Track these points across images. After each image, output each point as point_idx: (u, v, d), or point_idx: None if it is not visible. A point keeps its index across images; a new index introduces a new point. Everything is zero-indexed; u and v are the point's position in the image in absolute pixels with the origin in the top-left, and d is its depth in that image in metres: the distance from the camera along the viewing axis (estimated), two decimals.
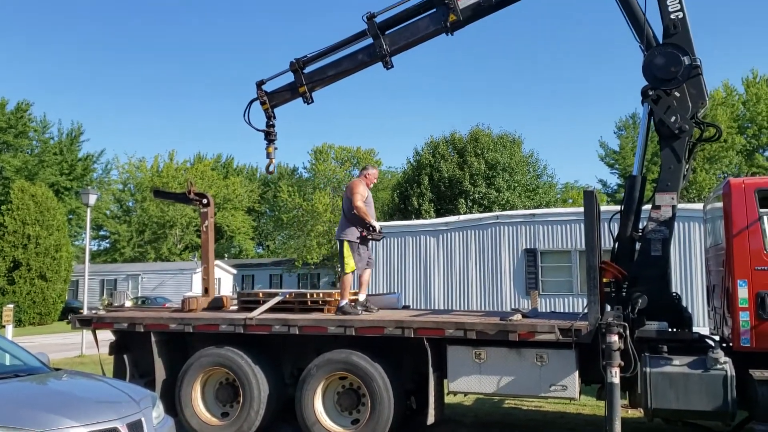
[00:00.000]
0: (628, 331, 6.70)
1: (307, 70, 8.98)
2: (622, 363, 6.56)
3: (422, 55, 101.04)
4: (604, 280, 7.38)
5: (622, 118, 56.01)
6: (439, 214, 35.37)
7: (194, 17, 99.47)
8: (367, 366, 7.56)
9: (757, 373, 6.54)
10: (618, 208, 7.92)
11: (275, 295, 8.75)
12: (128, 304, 31.84)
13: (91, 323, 8.94)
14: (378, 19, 8.49)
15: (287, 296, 8.73)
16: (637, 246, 7.61)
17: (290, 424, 8.16)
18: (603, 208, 10.15)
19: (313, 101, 9.06)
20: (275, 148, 9.31)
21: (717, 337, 7.49)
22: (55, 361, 10.58)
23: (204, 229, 9.79)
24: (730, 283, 6.76)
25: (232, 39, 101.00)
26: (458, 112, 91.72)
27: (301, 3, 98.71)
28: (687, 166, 7.81)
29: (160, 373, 8.44)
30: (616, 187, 54.13)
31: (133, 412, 5.45)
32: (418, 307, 17.29)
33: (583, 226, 7.92)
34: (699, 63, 7.53)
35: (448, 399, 8.33)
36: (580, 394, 7.18)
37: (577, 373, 6.99)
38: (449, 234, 18.86)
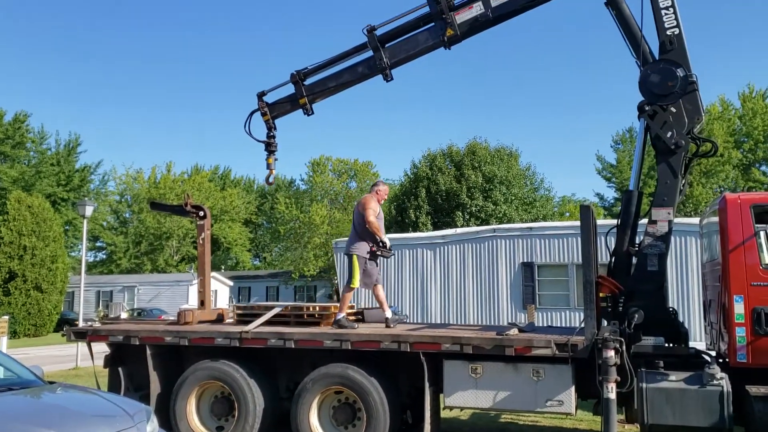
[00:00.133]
0: (624, 346, 6.69)
1: (308, 81, 9.02)
2: (619, 378, 6.55)
3: (420, 67, 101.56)
4: (601, 294, 7.39)
5: (619, 131, 56.29)
6: (436, 227, 35.42)
7: (193, 29, 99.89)
8: (363, 380, 7.53)
9: (753, 389, 6.53)
10: (615, 222, 7.93)
11: (271, 308, 8.73)
12: (124, 315, 31.85)
13: (86, 336, 8.90)
14: (378, 32, 8.54)
15: (283, 309, 8.72)
16: (634, 261, 7.62)
17: None
18: (600, 222, 10.17)
19: (313, 113, 9.09)
20: (275, 159, 9.32)
21: (713, 353, 7.48)
22: (50, 374, 10.56)
23: (200, 242, 9.77)
24: (727, 298, 6.77)
25: (231, 51, 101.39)
26: (456, 125, 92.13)
27: (300, 13, 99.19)
28: (683, 181, 7.84)
29: (155, 386, 8.40)
30: (613, 201, 54.26)
31: (127, 426, 5.41)
32: (415, 321, 17.26)
33: (580, 239, 7.93)
34: (695, 79, 7.57)
35: (444, 414, 8.30)
36: (576, 409, 7.17)
37: (573, 388, 6.97)
38: (446, 247, 18.86)
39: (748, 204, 6.88)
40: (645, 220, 7.77)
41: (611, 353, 6.48)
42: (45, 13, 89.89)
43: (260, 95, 9.11)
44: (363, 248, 8.46)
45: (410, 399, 7.98)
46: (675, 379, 6.72)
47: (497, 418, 10.35)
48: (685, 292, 15.75)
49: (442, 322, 17.88)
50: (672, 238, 7.83)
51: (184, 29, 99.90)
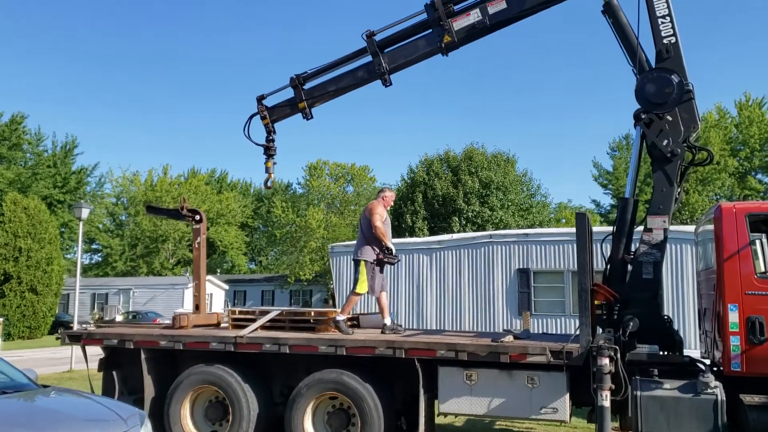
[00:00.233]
0: (619, 354, 6.71)
1: (307, 85, 9.03)
2: (613, 386, 6.57)
3: (418, 72, 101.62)
4: (596, 302, 7.39)
5: (615, 138, 56.44)
6: (432, 232, 35.42)
7: (192, 31, 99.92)
8: (358, 386, 7.52)
9: (747, 398, 6.53)
10: (610, 229, 7.94)
11: (267, 312, 8.72)
12: (119, 318, 31.82)
13: (81, 339, 8.88)
14: (377, 38, 8.56)
15: (279, 314, 8.70)
16: (629, 268, 7.63)
17: None
18: (595, 229, 10.17)
19: (312, 117, 9.10)
20: (274, 163, 9.33)
21: (708, 361, 7.49)
22: (44, 376, 10.53)
23: (196, 246, 9.76)
24: (721, 307, 6.78)
25: (230, 53, 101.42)
26: (453, 130, 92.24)
27: (298, 17, 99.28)
28: (679, 189, 7.86)
29: (149, 390, 8.38)
30: (609, 208, 54.36)
31: (120, 430, 5.41)
32: (411, 327, 17.24)
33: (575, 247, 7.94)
34: (691, 87, 7.59)
35: (439, 420, 8.29)
36: (570, 416, 7.16)
37: (567, 396, 6.98)
38: (442, 253, 18.84)
39: (743, 213, 6.90)
40: (640, 228, 7.79)
41: (606, 361, 6.49)
42: (45, 13, 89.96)
43: (260, 99, 9.12)
44: (370, 254, 8.50)
45: (405, 405, 7.97)
46: (669, 388, 6.73)
47: (492, 425, 10.35)
48: (681, 300, 15.75)
49: (438, 327, 17.86)
50: (667, 246, 7.84)
51: (183, 31, 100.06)
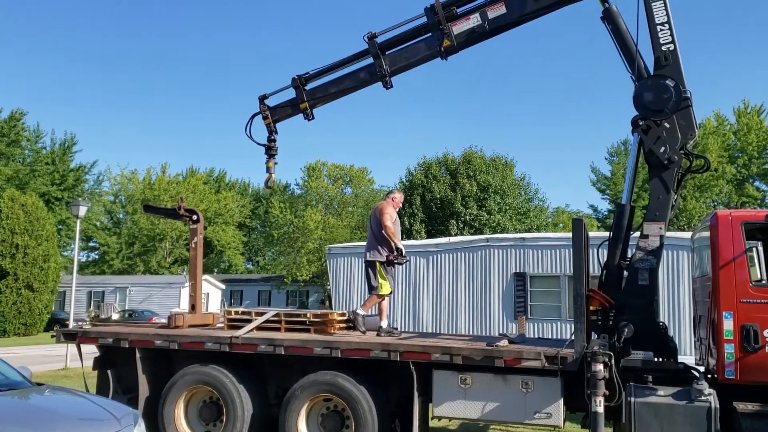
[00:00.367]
0: (613, 360, 6.71)
1: (309, 86, 9.03)
2: (607, 392, 6.57)
3: (418, 75, 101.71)
4: (591, 308, 7.39)
5: (614, 144, 56.56)
6: (430, 235, 35.45)
7: (192, 31, 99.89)
8: (352, 388, 7.53)
9: (741, 406, 6.54)
10: (607, 234, 7.95)
11: (263, 313, 8.72)
12: (115, 316, 31.79)
13: (76, 337, 8.87)
14: (379, 40, 8.57)
15: (275, 315, 8.70)
16: (625, 274, 7.64)
17: None
18: (592, 234, 10.19)
19: (313, 118, 9.10)
20: (275, 163, 9.33)
21: (702, 368, 7.49)
22: (38, 374, 10.50)
23: (193, 246, 9.76)
24: (716, 314, 6.79)
25: (230, 53, 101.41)
26: (451, 133, 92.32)
27: (298, 17, 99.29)
28: (676, 196, 7.86)
29: (143, 389, 8.38)
30: (606, 213, 54.42)
31: (114, 429, 5.42)
32: (406, 329, 17.24)
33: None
34: (689, 95, 7.60)
35: (433, 423, 8.29)
36: (564, 422, 7.17)
37: (562, 401, 6.98)
38: (439, 256, 18.84)
39: (739, 221, 6.91)
40: (637, 234, 7.80)
41: (600, 367, 6.50)
42: (45, 13, 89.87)
43: (262, 98, 9.11)
44: (382, 255, 8.56)
45: (399, 408, 7.97)
46: (663, 394, 6.73)
47: (486, 429, 10.35)
48: (676, 307, 15.76)
49: (434, 331, 17.86)
50: (663, 253, 7.85)
51: (183, 31, 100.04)
